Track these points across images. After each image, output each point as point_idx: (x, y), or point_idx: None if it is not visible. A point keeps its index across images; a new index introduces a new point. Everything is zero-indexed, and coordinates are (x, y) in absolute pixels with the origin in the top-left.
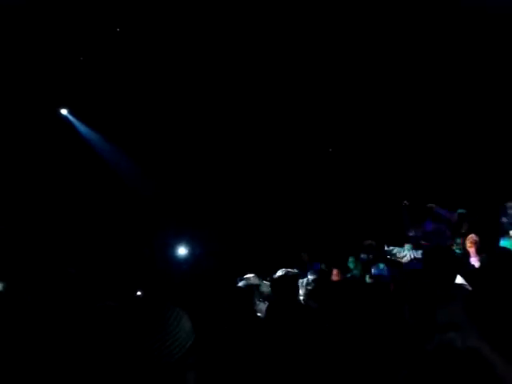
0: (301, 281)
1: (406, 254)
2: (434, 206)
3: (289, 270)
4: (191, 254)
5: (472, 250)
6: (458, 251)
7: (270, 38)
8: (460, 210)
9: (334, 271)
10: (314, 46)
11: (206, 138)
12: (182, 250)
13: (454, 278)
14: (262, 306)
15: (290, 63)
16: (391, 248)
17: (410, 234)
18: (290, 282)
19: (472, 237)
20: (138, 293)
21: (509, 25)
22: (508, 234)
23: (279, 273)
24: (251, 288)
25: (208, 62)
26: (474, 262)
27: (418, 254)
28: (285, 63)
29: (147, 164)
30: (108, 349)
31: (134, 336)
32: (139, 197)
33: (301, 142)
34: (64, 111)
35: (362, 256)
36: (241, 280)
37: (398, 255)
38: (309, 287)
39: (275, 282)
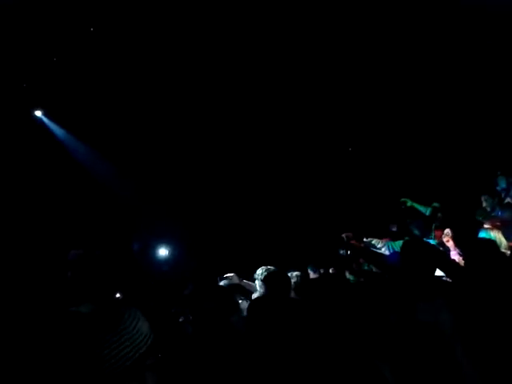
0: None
1: (384, 245)
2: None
3: (269, 267)
4: (172, 255)
5: (450, 244)
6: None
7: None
8: (434, 204)
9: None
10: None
11: (185, 138)
12: (162, 251)
13: (434, 271)
14: (245, 305)
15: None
16: (370, 239)
17: (393, 229)
18: (285, 277)
19: (448, 231)
20: (117, 295)
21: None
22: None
23: (259, 271)
24: (233, 287)
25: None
26: (454, 255)
27: (397, 246)
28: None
29: (124, 165)
30: (61, 353)
31: (89, 338)
32: (117, 198)
33: (280, 142)
34: (38, 113)
35: (342, 252)
36: (221, 279)
37: (377, 246)
38: (293, 281)
39: (270, 278)
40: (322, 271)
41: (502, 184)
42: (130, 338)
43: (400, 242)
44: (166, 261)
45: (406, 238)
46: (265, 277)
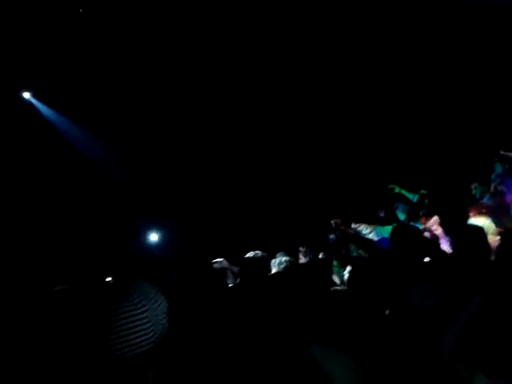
0: (273, 261)
1: (372, 230)
2: None
3: (257, 252)
4: (163, 239)
5: (439, 232)
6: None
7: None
8: (422, 191)
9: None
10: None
11: (179, 120)
12: (153, 237)
13: (423, 255)
14: None
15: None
16: (357, 225)
17: (381, 215)
18: (259, 263)
19: (437, 219)
20: (108, 278)
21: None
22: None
23: (248, 255)
24: (223, 270)
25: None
26: (443, 243)
27: (385, 231)
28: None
29: (119, 148)
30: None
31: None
32: (111, 182)
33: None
34: (26, 94)
35: (331, 236)
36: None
37: (363, 232)
38: (281, 266)
39: (244, 263)
40: (311, 256)
41: (498, 170)
42: (145, 321)
43: (388, 228)
44: (156, 245)
45: (394, 224)
46: (242, 262)
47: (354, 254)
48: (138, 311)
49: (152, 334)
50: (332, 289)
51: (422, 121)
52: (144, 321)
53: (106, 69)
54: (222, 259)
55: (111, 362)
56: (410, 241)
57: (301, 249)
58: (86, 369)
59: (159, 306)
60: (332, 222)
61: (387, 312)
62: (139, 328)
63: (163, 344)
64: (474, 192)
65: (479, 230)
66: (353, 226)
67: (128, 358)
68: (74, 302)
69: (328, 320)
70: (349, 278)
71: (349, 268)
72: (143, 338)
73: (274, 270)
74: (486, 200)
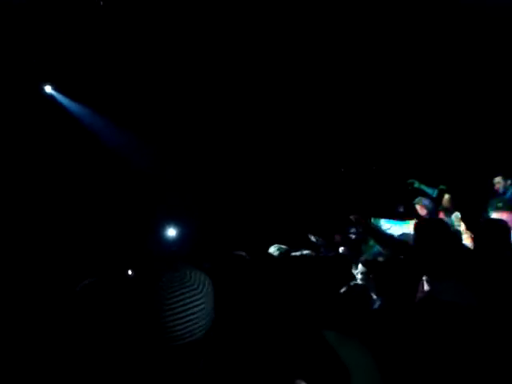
0: (292, 254)
1: (392, 225)
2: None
3: (281, 245)
4: (180, 235)
5: (462, 228)
6: None
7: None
8: (441, 186)
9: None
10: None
11: (202, 111)
12: (171, 232)
13: (449, 249)
14: None
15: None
16: (377, 219)
17: (400, 210)
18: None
19: (457, 214)
20: (129, 272)
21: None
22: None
23: (271, 249)
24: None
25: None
26: (466, 239)
27: (405, 227)
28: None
29: (144, 139)
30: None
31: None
32: (135, 174)
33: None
34: (48, 88)
35: (352, 231)
36: None
37: (382, 227)
38: None
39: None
40: (323, 244)
41: None
42: (197, 306)
43: (408, 223)
44: (174, 241)
45: (414, 219)
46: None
47: (375, 250)
48: (198, 296)
49: (207, 320)
50: (352, 283)
51: (443, 114)
52: (202, 306)
53: (126, 59)
54: (243, 253)
55: (170, 349)
56: (437, 234)
57: (311, 237)
58: (144, 356)
59: (211, 290)
60: (351, 216)
61: (413, 307)
62: (199, 314)
63: (213, 331)
64: (496, 187)
65: (502, 225)
66: (372, 220)
67: (185, 345)
68: (121, 292)
69: (348, 311)
70: (376, 284)
71: (360, 267)
72: (201, 322)
73: None
74: (509, 195)
